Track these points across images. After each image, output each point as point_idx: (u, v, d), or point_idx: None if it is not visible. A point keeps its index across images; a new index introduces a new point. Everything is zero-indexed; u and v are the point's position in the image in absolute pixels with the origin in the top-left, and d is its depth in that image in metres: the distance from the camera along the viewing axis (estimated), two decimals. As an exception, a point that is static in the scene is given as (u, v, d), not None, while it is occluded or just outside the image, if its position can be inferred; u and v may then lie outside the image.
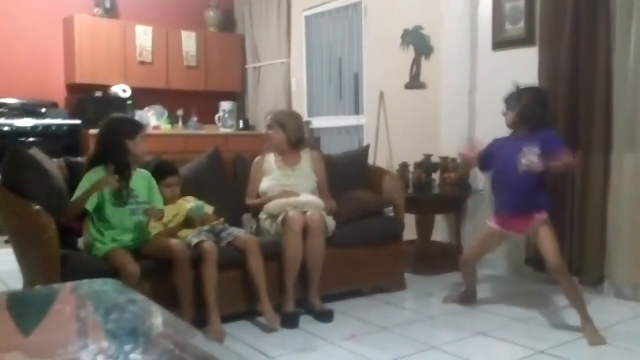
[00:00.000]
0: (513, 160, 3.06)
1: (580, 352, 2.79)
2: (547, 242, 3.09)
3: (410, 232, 4.19)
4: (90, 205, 2.84)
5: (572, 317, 3.15)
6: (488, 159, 3.33)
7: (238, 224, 3.48)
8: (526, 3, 4.06)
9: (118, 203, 2.88)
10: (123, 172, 2.89)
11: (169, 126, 6.49)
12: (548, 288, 3.72)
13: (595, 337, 2.90)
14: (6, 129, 5.38)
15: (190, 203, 3.23)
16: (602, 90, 3.57)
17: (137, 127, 3.02)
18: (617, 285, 3.63)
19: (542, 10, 3.93)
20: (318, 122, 6.21)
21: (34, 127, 5.51)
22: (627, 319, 3.25)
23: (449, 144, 4.51)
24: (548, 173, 3.14)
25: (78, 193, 2.84)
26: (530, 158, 2.99)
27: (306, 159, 3.69)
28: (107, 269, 2.69)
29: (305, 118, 5.81)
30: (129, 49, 6.25)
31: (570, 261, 3.69)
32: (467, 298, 3.55)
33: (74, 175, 3.08)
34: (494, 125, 3.51)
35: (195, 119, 6.66)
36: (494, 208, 3.34)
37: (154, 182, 3.08)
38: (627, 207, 3.55)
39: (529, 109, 3.14)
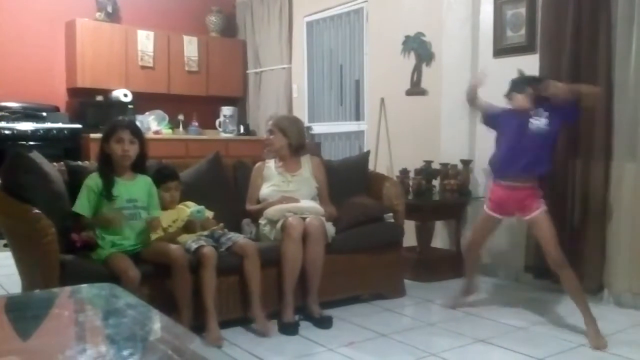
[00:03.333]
0: (523, 127, 3.18)
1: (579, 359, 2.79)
2: (547, 234, 3.15)
3: (410, 238, 4.18)
4: (88, 211, 2.89)
5: (572, 325, 3.15)
6: (493, 117, 3.39)
7: (237, 229, 3.48)
8: (527, 10, 4.07)
9: (111, 204, 2.91)
10: (105, 176, 2.92)
11: (170, 131, 6.50)
12: (548, 295, 3.72)
13: (598, 340, 2.92)
14: (7, 132, 5.39)
15: (189, 208, 3.22)
16: (603, 98, 3.57)
17: (109, 129, 2.98)
18: (616, 293, 3.62)
19: (543, 17, 3.94)
20: (318, 128, 6.22)
21: (35, 131, 5.52)
22: (627, 327, 3.24)
23: (449, 151, 4.52)
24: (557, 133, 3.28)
25: (79, 200, 2.88)
26: (541, 120, 3.16)
27: (306, 165, 3.69)
28: (105, 273, 2.69)
29: (306, 123, 5.82)
30: (130, 53, 6.26)
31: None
32: (467, 291, 3.60)
33: (74, 179, 3.08)
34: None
35: (195, 123, 6.67)
36: (494, 178, 3.37)
37: (154, 188, 3.09)
38: (627, 215, 3.55)
39: (540, 97, 3.21)
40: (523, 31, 4.11)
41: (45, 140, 5.51)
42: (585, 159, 3.66)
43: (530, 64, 3.91)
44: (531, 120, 3.17)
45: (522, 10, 4.11)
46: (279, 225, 3.30)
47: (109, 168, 2.95)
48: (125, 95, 6.11)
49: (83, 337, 1.50)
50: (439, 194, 4.42)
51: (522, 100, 3.23)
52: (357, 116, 5.82)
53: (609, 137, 3.59)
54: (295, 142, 3.64)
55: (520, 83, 3.27)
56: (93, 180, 2.91)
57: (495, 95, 3.42)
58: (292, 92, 6.45)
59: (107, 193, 2.89)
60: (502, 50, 4.25)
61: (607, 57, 3.57)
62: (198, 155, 4.27)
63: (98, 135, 3.12)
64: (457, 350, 2.91)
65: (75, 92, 6.12)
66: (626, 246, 3.55)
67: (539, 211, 3.19)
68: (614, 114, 3.58)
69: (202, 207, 3.20)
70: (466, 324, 3.30)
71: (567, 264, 3.11)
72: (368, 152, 4.41)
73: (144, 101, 6.30)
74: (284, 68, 6.47)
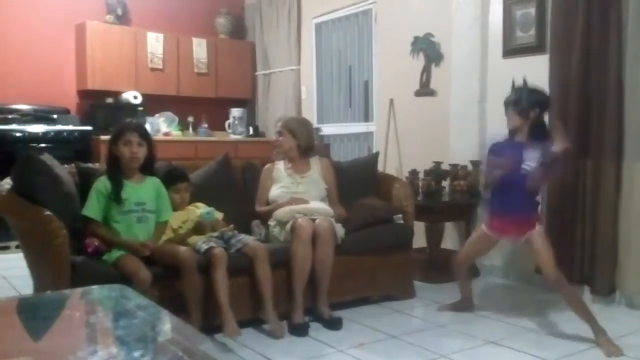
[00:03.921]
0: (516, 164, 3.09)
1: (591, 362, 2.77)
2: (544, 254, 3.10)
3: (419, 239, 4.17)
4: (98, 214, 2.91)
5: (583, 326, 3.12)
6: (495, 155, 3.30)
7: (247, 230, 3.48)
8: (537, 10, 4.05)
9: (120, 207, 2.93)
10: (114, 178, 2.94)
11: (179, 132, 6.52)
12: (558, 297, 3.68)
13: (611, 347, 2.87)
14: (18, 134, 5.42)
15: (199, 209, 3.24)
16: (613, 98, 3.55)
17: (117, 132, 3.00)
18: (628, 295, 3.59)
19: (552, 17, 3.91)
20: (327, 129, 6.22)
21: (46, 133, 5.55)
22: (639, 329, 3.22)
23: (458, 151, 4.50)
24: (546, 180, 3.19)
25: (89, 203, 2.90)
26: (532, 164, 3.06)
27: (315, 166, 3.69)
28: (116, 274, 2.70)
29: (315, 125, 5.82)
30: (140, 55, 6.29)
31: (581, 271, 3.66)
32: (463, 306, 3.54)
33: (85, 181, 3.10)
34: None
35: (205, 125, 6.69)
36: (490, 209, 3.33)
37: (163, 190, 3.10)
38: (638, 215, 3.52)
39: (541, 122, 3.16)
40: (533, 31, 4.09)
41: (56, 142, 5.54)
42: (596, 160, 3.64)
43: (540, 65, 3.90)
44: (524, 164, 3.08)
45: (532, 10, 4.09)
46: (288, 226, 3.30)
47: (117, 171, 2.97)
48: (135, 97, 6.13)
49: (94, 338, 1.50)
50: (448, 195, 4.40)
51: (517, 121, 3.16)
52: (366, 117, 5.82)
53: (620, 137, 3.57)
54: (305, 144, 3.64)
55: (523, 102, 3.14)
56: (102, 183, 2.93)
57: (503, 97, 3.40)
58: (301, 93, 6.46)
59: (115, 196, 2.90)
60: (511, 50, 4.23)
61: (617, 57, 3.54)
62: (207, 157, 4.28)
63: (108, 137, 3.13)
64: (468, 352, 2.90)
65: (85, 94, 6.15)
66: (638, 247, 3.52)
67: (534, 231, 3.14)
68: (625, 114, 3.55)
69: (211, 208, 3.21)
70: (477, 326, 3.29)
71: (565, 281, 3.08)
72: (377, 153, 4.41)
73: (154, 103, 6.32)
74: (292, 69, 6.48)
